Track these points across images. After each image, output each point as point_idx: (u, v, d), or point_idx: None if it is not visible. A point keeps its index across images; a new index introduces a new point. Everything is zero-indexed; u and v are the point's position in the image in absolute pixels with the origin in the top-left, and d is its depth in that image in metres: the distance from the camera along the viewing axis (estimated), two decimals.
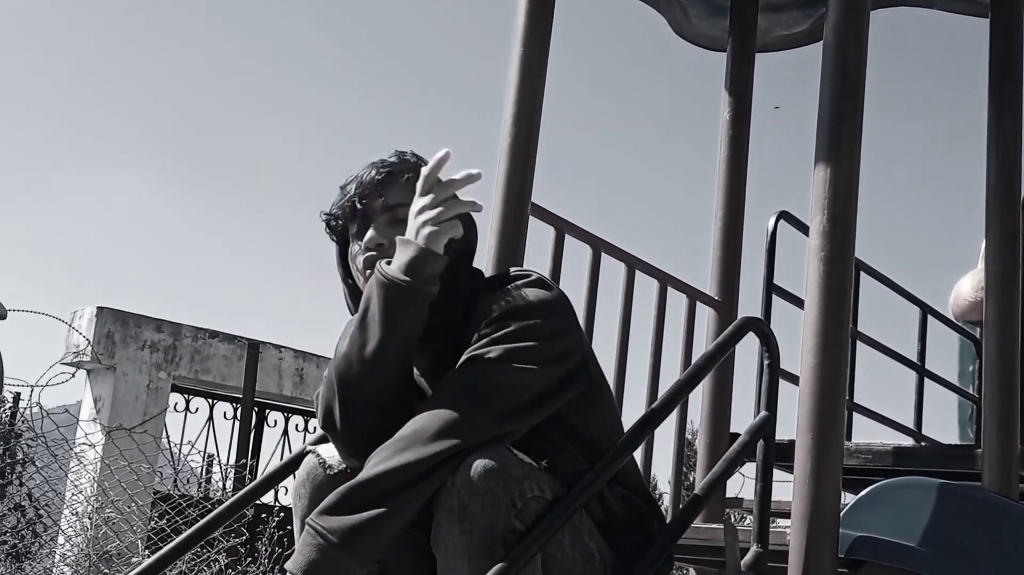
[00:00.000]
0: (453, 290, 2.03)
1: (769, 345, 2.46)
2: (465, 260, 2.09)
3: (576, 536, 1.88)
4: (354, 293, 2.12)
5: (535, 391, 1.86)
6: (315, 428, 9.26)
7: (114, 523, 5.84)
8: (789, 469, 2.86)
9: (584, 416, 2.00)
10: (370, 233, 2.04)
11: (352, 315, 2.11)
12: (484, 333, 1.90)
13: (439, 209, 1.89)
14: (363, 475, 1.77)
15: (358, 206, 2.06)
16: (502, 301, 1.93)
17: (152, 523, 6.01)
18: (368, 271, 2.02)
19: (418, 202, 1.93)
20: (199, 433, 8.11)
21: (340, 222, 2.10)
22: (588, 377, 2.00)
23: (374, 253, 2.03)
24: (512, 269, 2.09)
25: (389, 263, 1.94)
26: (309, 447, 2.08)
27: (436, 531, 1.79)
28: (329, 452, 2.02)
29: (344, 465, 1.98)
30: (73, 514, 6.09)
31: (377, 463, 1.77)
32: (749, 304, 4.28)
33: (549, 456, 1.88)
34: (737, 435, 2.46)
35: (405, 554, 2.00)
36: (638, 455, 2.75)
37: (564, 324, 1.96)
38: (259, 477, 2.43)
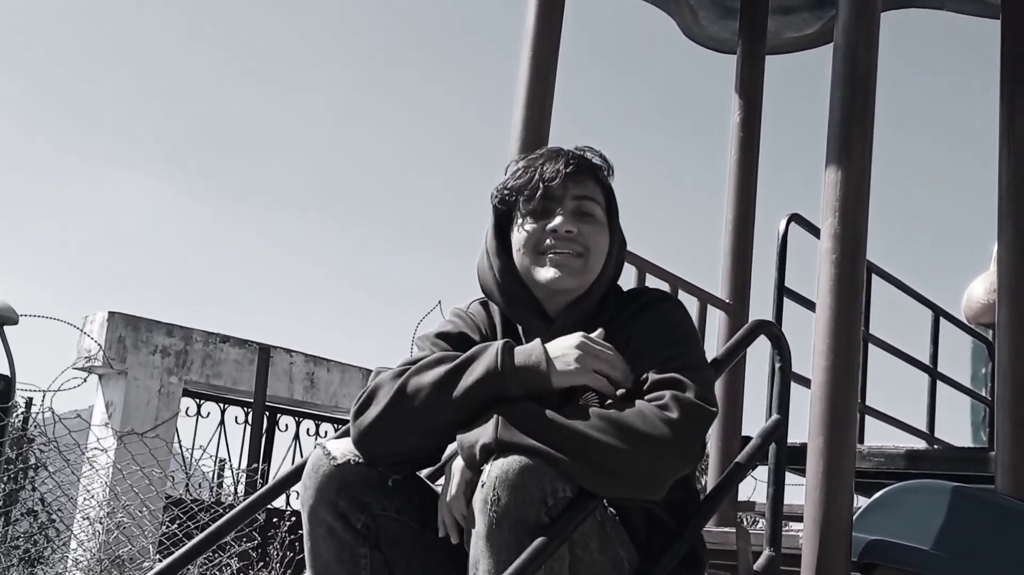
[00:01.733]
0: (605, 302, 2.10)
1: (781, 348, 2.45)
2: (618, 276, 2.17)
3: (606, 542, 1.90)
4: (506, 269, 2.11)
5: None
6: (326, 432, 9.28)
7: (126, 527, 5.86)
8: (801, 472, 2.86)
9: None
10: (559, 218, 2.06)
11: (486, 288, 2.13)
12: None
13: (602, 361, 1.92)
14: (571, 423, 1.79)
15: (542, 186, 2.07)
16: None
17: (164, 527, 6.02)
18: (551, 253, 2.05)
19: (591, 345, 1.93)
20: (210, 437, 8.14)
21: (516, 197, 2.11)
22: None
23: (564, 239, 2.06)
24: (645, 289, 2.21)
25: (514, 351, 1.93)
26: (318, 442, 2.10)
27: (469, 524, 1.83)
28: (337, 447, 2.03)
29: (348, 457, 2.00)
30: (85, 519, 6.11)
31: (597, 430, 1.79)
32: (760, 307, 4.27)
33: None
34: (749, 439, 2.45)
35: (415, 550, 2.02)
36: None
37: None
38: (270, 481, 2.43)
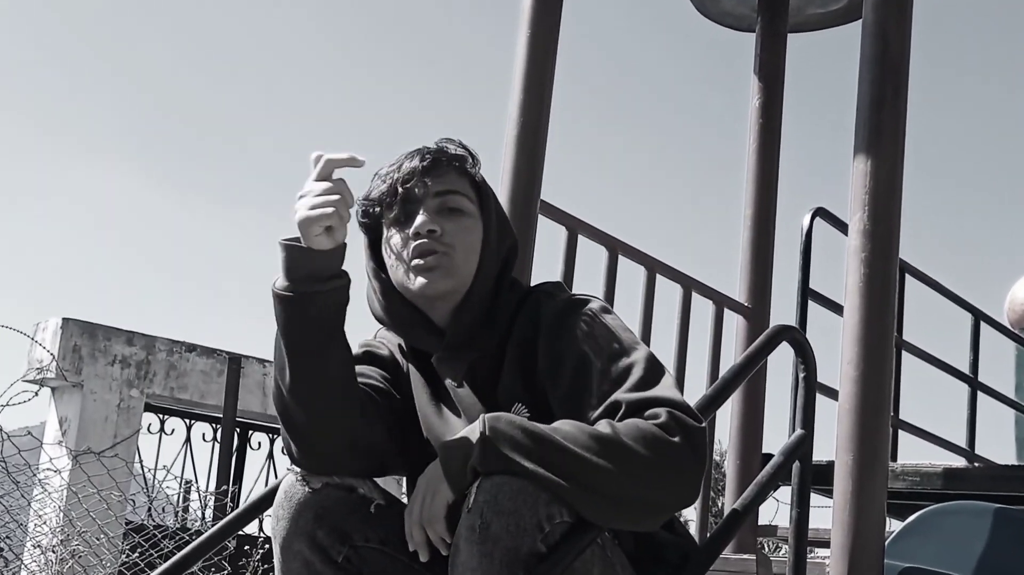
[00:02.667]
0: (496, 299, 2.08)
1: (805, 356, 2.46)
2: (507, 269, 2.13)
3: (608, 567, 1.89)
4: (386, 288, 2.12)
5: None
6: None
7: (82, 557, 5.85)
8: (828, 493, 2.86)
9: None
10: (420, 218, 2.05)
11: (376, 315, 2.14)
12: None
13: (327, 197, 1.86)
14: (561, 440, 1.78)
15: (400, 190, 2.07)
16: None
17: (124, 556, 6.02)
18: (416, 259, 2.04)
19: (303, 193, 1.90)
20: (175, 457, 8.12)
21: (378, 209, 2.11)
22: None
23: (425, 240, 2.04)
24: (551, 285, 2.14)
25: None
26: (289, 467, 2.09)
27: (454, 553, 1.80)
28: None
29: (325, 481, 1.99)
30: (36, 547, 6.10)
31: (585, 449, 1.77)
32: (782, 311, 4.28)
33: None
34: (770, 456, 2.45)
35: None
36: None
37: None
38: (241, 505, 2.43)
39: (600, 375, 1.92)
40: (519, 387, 2.03)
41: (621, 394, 1.88)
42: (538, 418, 1.90)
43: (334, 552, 1.97)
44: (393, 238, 2.09)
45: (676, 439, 1.80)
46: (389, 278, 2.12)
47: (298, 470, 2.03)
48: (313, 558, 1.97)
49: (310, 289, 1.91)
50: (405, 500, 2.06)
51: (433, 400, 2.13)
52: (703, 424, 1.86)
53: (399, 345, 2.22)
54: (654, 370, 1.92)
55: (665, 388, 1.88)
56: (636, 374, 1.90)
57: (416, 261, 2.04)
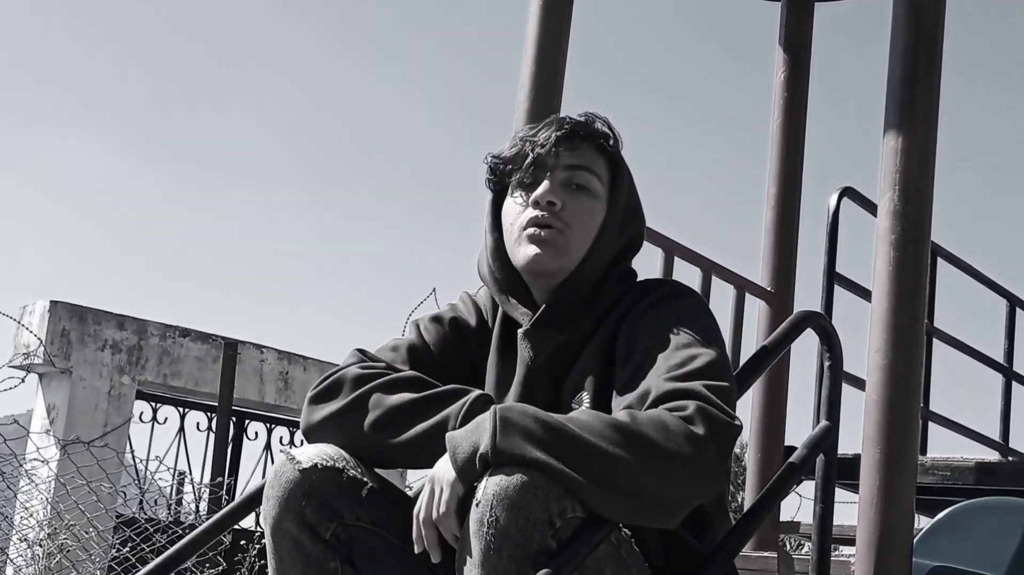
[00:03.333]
0: (601, 286, 2.11)
1: (830, 344, 2.45)
2: (622, 258, 2.16)
3: (621, 568, 1.90)
4: (497, 249, 2.16)
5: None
6: (302, 442, 9.27)
7: (70, 551, 5.88)
8: (854, 488, 2.86)
9: None
10: (544, 186, 2.09)
11: (480, 272, 2.18)
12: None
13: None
14: (575, 430, 1.79)
15: (531, 154, 2.11)
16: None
17: (114, 551, 6.05)
18: (530, 228, 2.08)
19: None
20: (168, 447, 8.16)
21: (509, 167, 2.15)
22: None
23: (544, 213, 2.08)
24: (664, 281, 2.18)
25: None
26: (282, 449, 2.12)
27: (462, 548, 1.82)
28: (303, 452, 2.05)
29: (315, 462, 2.02)
30: (23, 541, 6.13)
31: (600, 438, 1.78)
32: (807, 296, 4.28)
33: None
34: (793, 448, 2.45)
35: (396, 569, 2.03)
36: None
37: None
38: (237, 498, 2.44)
39: (657, 365, 1.93)
40: (592, 376, 2.04)
41: (657, 381, 1.89)
42: (601, 409, 1.93)
43: (322, 529, 2.00)
44: (514, 201, 2.13)
45: (699, 431, 1.80)
46: (503, 239, 2.16)
47: (289, 451, 2.06)
48: (302, 536, 2.00)
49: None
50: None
51: (503, 377, 2.15)
52: (737, 422, 1.86)
53: (490, 311, 2.24)
54: (712, 367, 1.92)
55: (710, 382, 1.88)
56: (687, 366, 1.91)
57: (530, 230, 2.08)
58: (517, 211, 2.12)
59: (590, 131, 2.14)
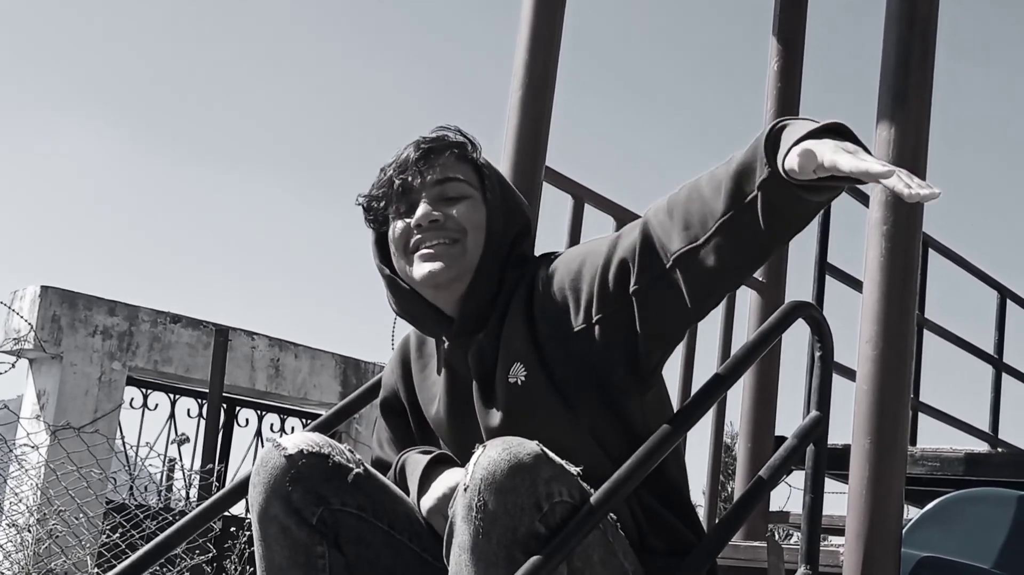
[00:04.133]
0: (502, 278, 2.13)
1: (821, 334, 2.45)
2: (515, 248, 2.18)
3: (609, 553, 1.92)
4: (393, 284, 2.19)
5: None
6: (293, 428, 9.27)
7: (60, 537, 5.87)
8: (844, 478, 2.86)
9: (656, 414, 2.09)
10: (421, 208, 2.12)
11: (392, 308, 2.22)
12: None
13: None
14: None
15: (396, 182, 2.15)
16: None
17: (104, 537, 6.04)
18: (421, 249, 2.11)
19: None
20: (159, 433, 8.15)
21: (381, 203, 2.18)
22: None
23: (428, 231, 2.11)
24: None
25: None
26: (269, 437, 2.16)
27: (450, 532, 1.85)
28: (289, 439, 2.07)
29: (301, 448, 2.04)
30: (12, 526, 6.13)
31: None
32: (798, 287, 4.27)
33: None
34: (783, 439, 2.46)
35: (381, 554, 2.07)
36: None
37: None
38: (228, 485, 2.44)
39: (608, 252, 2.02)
40: (520, 353, 2.06)
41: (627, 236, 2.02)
42: (538, 376, 2.00)
43: (308, 513, 2.03)
44: (396, 230, 2.15)
45: None
46: (395, 271, 2.19)
47: (275, 438, 2.09)
48: (289, 522, 2.03)
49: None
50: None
51: (451, 392, 2.18)
52: None
53: (409, 346, 2.31)
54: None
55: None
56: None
57: (421, 251, 2.11)
58: (403, 239, 2.14)
59: (444, 144, 2.18)
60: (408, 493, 2.14)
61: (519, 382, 2.03)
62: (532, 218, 2.25)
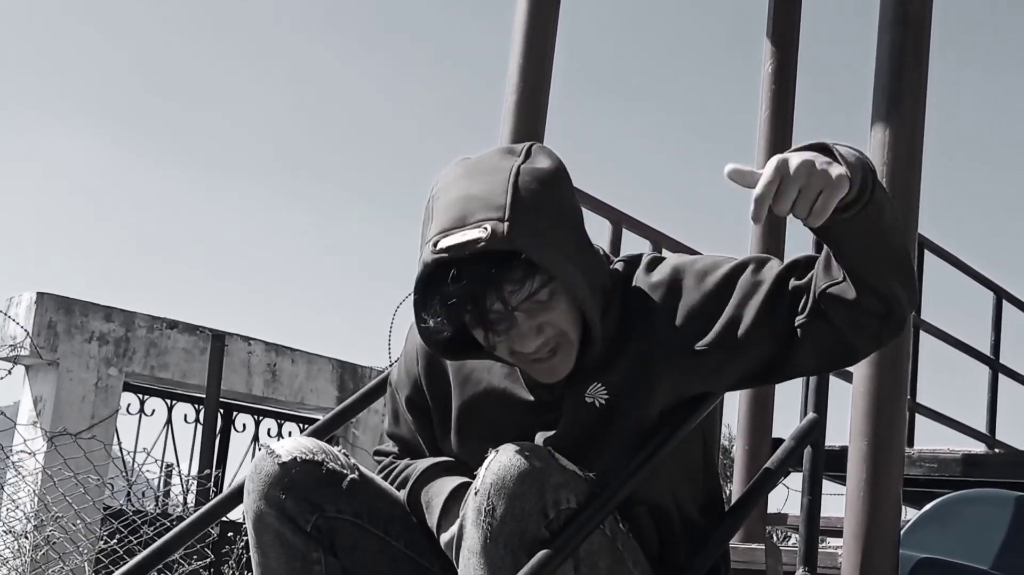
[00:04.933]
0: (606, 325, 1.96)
1: None
2: (604, 282, 1.98)
3: (617, 561, 1.92)
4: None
5: None
6: (290, 433, 9.27)
7: (57, 543, 5.87)
8: (841, 480, 2.86)
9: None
10: (512, 342, 1.87)
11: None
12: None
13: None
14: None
15: (467, 320, 1.85)
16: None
17: (101, 543, 6.03)
18: (531, 365, 1.92)
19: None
20: (156, 439, 8.14)
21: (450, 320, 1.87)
22: None
23: (533, 354, 1.90)
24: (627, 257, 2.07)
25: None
26: (262, 443, 2.15)
27: (459, 535, 1.86)
28: (282, 446, 2.07)
29: (294, 455, 2.04)
30: (9, 533, 6.12)
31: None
32: None
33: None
34: (780, 441, 2.46)
35: (378, 561, 2.06)
36: None
37: None
38: (225, 490, 2.43)
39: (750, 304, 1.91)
40: (609, 367, 1.96)
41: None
42: (619, 403, 1.93)
43: (302, 521, 2.02)
44: (492, 345, 1.91)
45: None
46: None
47: (268, 445, 2.08)
48: (284, 529, 2.02)
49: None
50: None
51: (510, 386, 2.03)
52: None
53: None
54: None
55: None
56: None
57: (531, 366, 1.93)
58: (504, 353, 1.92)
59: (481, 272, 1.80)
60: (417, 508, 2.05)
61: (597, 403, 1.95)
62: (590, 238, 1.97)
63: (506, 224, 1.78)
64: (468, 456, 2.00)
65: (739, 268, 1.95)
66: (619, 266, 2.04)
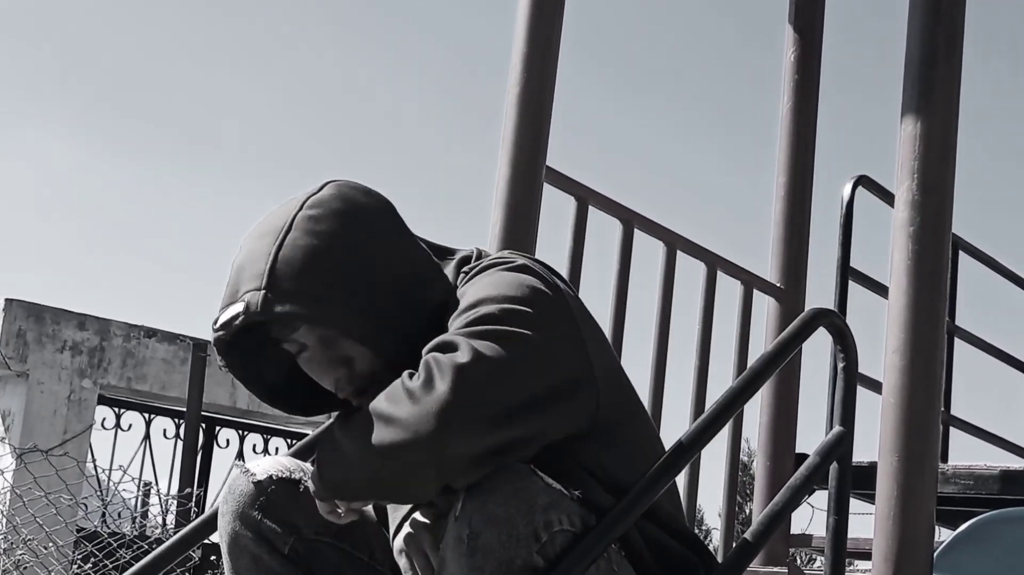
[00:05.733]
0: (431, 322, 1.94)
1: (844, 343, 2.46)
2: (416, 299, 1.97)
3: None
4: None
5: (523, 395, 1.78)
6: (276, 449, 9.28)
7: (28, 567, 5.87)
8: (870, 498, 2.86)
9: (600, 457, 1.95)
10: (330, 384, 1.98)
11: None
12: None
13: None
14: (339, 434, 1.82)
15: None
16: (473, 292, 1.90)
17: (75, 567, 6.04)
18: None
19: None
20: (133, 456, 8.15)
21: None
22: (594, 405, 1.93)
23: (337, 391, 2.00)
24: (493, 256, 2.04)
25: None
26: (237, 462, 2.16)
27: (441, 568, 1.81)
28: (258, 465, 2.07)
29: (270, 473, 2.05)
30: None
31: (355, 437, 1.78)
32: (819, 293, 4.28)
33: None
34: (804, 456, 2.46)
35: None
36: (679, 482, 2.75)
37: (551, 323, 1.89)
38: (207, 510, 2.44)
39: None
40: None
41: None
42: None
43: (280, 543, 2.03)
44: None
45: (417, 386, 1.73)
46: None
47: (243, 463, 2.10)
48: (260, 551, 2.03)
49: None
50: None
51: None
52: (490, 352, 1.76)
53: None
54: (503, 316, 1.82)
55: (482, 322, 1.81)
56: (470, 317, 1.83)
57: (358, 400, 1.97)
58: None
59: (233, 342, 2.00)
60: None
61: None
62: (408, 253, 2.00)
63: (261, 294, 1.89)
64: None
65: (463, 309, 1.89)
66: (455, 268, 2.04)
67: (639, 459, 1.99)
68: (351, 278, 1.92)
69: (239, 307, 1.91)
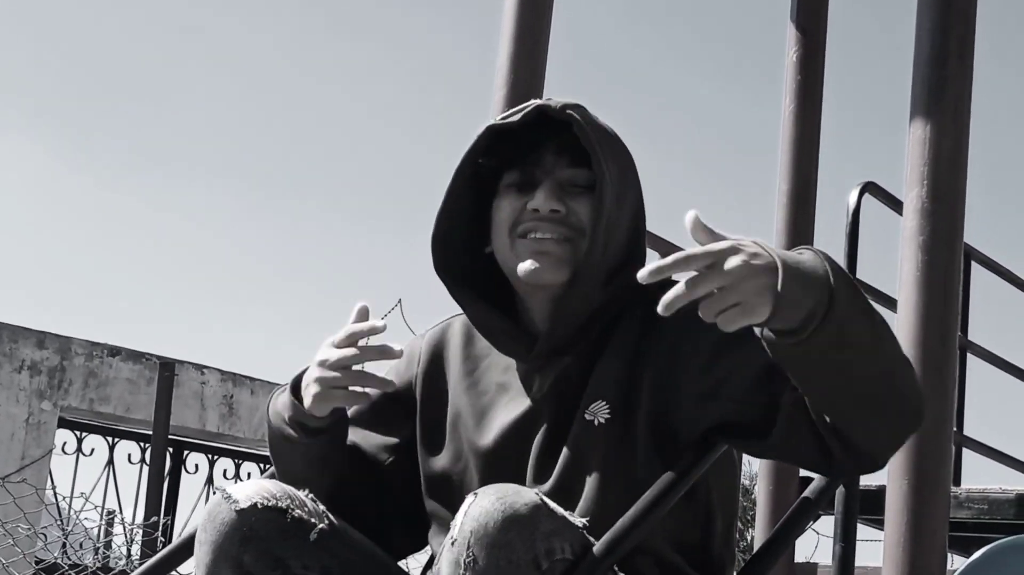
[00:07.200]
0: (607, 293, 2.04)
1: None
2: (630, 264, 2.04)
3: None
4: (461, 291, 2.11)
5: None
6: (249, 475, 9.26)
7: None
8: (879, 524, 2.87)
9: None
10: (543, 194, 2.03)
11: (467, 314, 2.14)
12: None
13: (335, 374, 1.99)
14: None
15: (527, 154, 2.07)
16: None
17: None
18: (527, 236, 2.03)
19: (322, 352, 2.01)
20: (95, 482, 8.13)
21: (491, 162, 2.10)
22: None
23: (541, 224, 2.03)
24: None
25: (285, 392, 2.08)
26: (218, 487, 2.15)
27: None
28: (241, 490, 2.05)
29: (254, 501, 2.02)
30: None
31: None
32: None
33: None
34: (809, 480, 2.46)
35: None
36: None
37: None
38: (175, 540, 2.43)
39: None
40: (612, 383, 2.01)
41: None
42: (621, 422, 1.97)
43: None
44: (503, 208, 2.07)
45: None
46: (490, 251, 2.12)
47: (224, 488, 2.06)
48: None
49: (291, 435, 2.09)
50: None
51: (489, 407, 2.12)
52: None
53: (446, 341, 2.21)
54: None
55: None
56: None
57: (529, 239, 2.04)
58: (508, 220, 2.06)
59: (588, 120, 2.05)
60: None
61: (596, 422, 1.99)
62: (642, 229, 2.13)
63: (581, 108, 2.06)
64: (441, 467, 2.11)
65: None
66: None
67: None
68: (637, 184, 2.11)
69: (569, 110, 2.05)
